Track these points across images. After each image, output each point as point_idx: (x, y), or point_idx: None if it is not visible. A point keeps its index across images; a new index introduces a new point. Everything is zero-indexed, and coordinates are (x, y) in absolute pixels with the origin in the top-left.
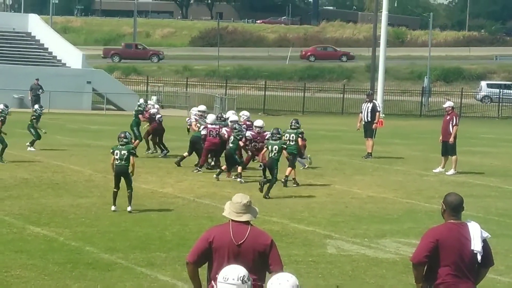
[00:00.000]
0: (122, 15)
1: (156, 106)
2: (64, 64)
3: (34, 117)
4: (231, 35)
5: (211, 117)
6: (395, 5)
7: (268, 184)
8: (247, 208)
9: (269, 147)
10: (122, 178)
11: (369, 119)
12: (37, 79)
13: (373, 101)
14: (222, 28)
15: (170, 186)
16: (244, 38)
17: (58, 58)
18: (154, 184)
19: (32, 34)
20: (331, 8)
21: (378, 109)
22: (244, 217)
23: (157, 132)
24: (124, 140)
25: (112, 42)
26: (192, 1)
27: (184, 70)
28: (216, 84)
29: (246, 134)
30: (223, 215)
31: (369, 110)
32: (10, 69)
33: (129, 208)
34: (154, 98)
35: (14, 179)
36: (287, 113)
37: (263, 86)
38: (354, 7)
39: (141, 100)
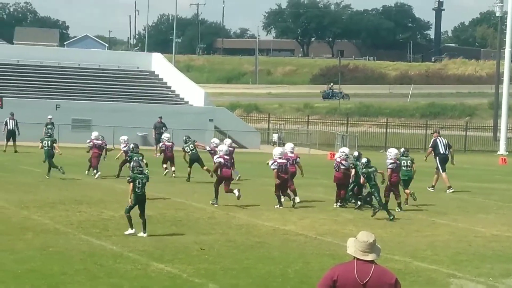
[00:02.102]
0: (244, 53)
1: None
2: (187, 102)
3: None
4: (352, 73)
5: (223, 148)
6: None
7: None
8: (373, 247)
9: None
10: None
11: (447, 152)
12: (160, 117)
13: None
14: (343, 66)
15: (292, 224)
16: (365, 75)
17: (180, 96)
18: (276, 222)
19: (156, 73)
20: (453, 45)
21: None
22: (370, 256)
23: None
24: (140, 169)
25: (233, 80)
26: (313, 39)
27: (305, 107)
28: (337, 121)
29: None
30: (348, 253)
31: (446, 144)
32: (134, 107)
33: (144, 234)
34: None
35: (138, 216)
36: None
37: (385, 123)
38: (476, 44)
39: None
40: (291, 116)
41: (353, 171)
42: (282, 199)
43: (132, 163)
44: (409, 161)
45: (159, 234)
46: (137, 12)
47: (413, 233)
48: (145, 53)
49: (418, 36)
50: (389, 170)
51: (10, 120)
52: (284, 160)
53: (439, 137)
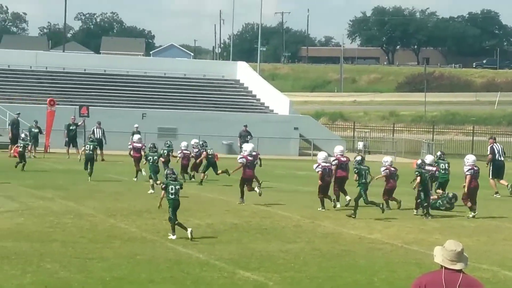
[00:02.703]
0: (328, 61)
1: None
2: (272, 110)
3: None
4: (438, 80)
5: (248, 147)
6: None
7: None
8: (460, 256)
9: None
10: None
11: (501, 158)
12: (246, 126)
13: None
14: (429, 73)
15: (378, 232)
16: (451, 83)
17: (265, 105)
18: (362, 230)
19: (241, 82)
20: None
21: None
22: (458, 266)
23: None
24: (173, 176)
25: (318, 88)
26: (398, 47)
27: (391, 115)
28: (422, 129)
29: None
30: (435, 262)
31: (501, 150)
32: (219, 115)
33: (173, 237)
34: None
35: (224, 224)
36: None
37: (471, 131)
38: None
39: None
40: (376, 124)
41: (418, 178)
42: (337, 204)
43: (166, 171)
44: (446, 165)
45: (245, 242)
46: (222, 21)
47: (500, 241)
48: (230, 62)
49: (505, 43)
50: (468, 176)
51: (97, 129)
52: (328, 164)
53: (495, 144)
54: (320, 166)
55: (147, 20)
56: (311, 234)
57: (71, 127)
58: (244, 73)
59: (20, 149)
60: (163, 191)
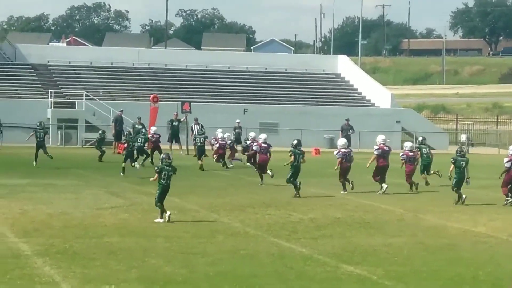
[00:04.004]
0: (430, 54)
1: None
2: (373, 104)
3: None
4: None
5: (263, 136)
6: None
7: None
8: None
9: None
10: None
11: None
12: (348, 120)
13: None
14: None
15: (483, 225)
16: None
17: (367, 98)
18: (466, 223)
19: (342, 75)
20: None
21: None
22: None
23: None
24: (168, 161)
25: (420, 81)
26: (501, 38)
27: (494, 107)
28: None
29: None
30: None
31: None
32: (320, 110)
33: (161, 220)
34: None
35: (327, 218)
36: None
37: None
38: None
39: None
40: (479, 116)
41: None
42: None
43: (162, 155)
44: (427, 149)
45: (348, 236)
46: (322, 15)
47: None
48: (331, 56)
49: None
50: None
51: (195, 125)
52: (348, 150)
53: None
54: (340, 153)
55: (248, 16)
56: (414, 228)
57: (173, 123)
58: (345, 66)
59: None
60: (156, 175)
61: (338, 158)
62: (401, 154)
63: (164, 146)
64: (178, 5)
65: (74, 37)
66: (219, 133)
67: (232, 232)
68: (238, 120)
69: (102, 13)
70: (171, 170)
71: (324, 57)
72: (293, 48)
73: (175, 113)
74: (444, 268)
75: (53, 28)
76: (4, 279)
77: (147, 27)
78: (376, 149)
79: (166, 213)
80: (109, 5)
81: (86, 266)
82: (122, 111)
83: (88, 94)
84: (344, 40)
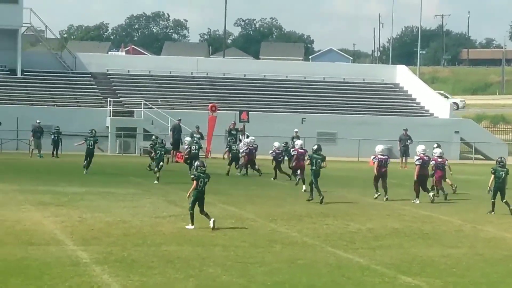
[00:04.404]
0: (490, 63)
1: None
2: (432, 114)
3: None
4: None
5: (299, 142)
6: None
7: None
8: None
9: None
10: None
11: None
12: (406, 129)
13: None
14: None
15: None
16: None
17: (425, 108)
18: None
19: (400, 85)
20: None
21: None
22: None
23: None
24: (203, 168)
25: (479, 91)
26: None
27: None
28: None
29: None
30: None
31: None
32: (379, 119)
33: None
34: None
35: (385, 228)
36: None
37: None
38: None
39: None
40: None
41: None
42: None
43: (196, 163)
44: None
45: (406, 247)
46: (381, 25)
47: None
48: (390, 66)
49: None
50: None
51: (242, 136)
52: (385, 156)
53: None
54: (376, 158)
55: (306, 25)
56: (473, 239)
57: (232, 132)
58: (404, 76)
59: (188, 154)
60: (194, 182)
61: (374, 163)
62: (416, 158)
63: (217, 154)
64: (236, 14)
65: (133, 46)
66: (276, 144)
67: (290, 241)
68: (296, 130)
69: (161, 22)
70: (206, 177)
71: (382, 66)
72: (351, 58)
73: (233, 122)
74: (504, 280)
75: (112, 37)
76: (64, 286)
77: (205, 36)
78: (417, 159)
79: (210, 219)
80: (168, 14)
81: (144, 274)
82: (180, 120)
83: (147, 103)
84: (403, 49)
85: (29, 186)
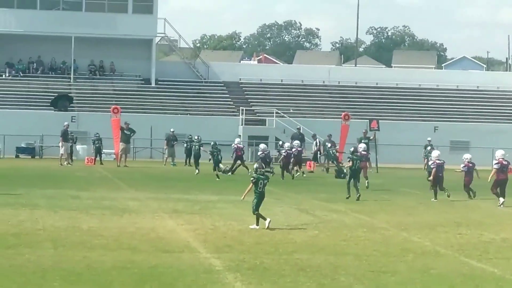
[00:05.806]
0: None
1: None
2: None
3: None
4: None
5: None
6: None
7: None
8: None
9: None
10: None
11: None
12: None
13: None
14: None
15: None
16: None
17: None
18: None
19: None
20: None
21: None
22: None
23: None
24: (262, 170)
25: None
26: None
27: None
28: None
29: None
30: None
31: None
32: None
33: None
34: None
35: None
36: None
37: None
38: None
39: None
40: None
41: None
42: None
43: (255, 165)
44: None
45: None
46: None
47: None
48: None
49: None
50: None
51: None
52: (441, 161)
53: None
54: (434, 163)
55: (439, 33)
56: None
57: (363, 141)
58: None
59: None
60: (251, 184)
61: (432, 168)
62: (494, 163)
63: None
64: (369, 23)
65: (265, 55)
66: (286, 145)
67: (423, 251)
68: (429, 138)
69: (293, 31)
70: (265, 178)
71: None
72: (484, 66)
73: (364, 130)
74: None
75: (244, 46)
76: None
77: (337, 45)
78: (496, 164)
79: (266, 220)
80: (300, 23)
81: (277, 282)
82: (299, 128)
83: (279, 111)
84: None
85: (163, 194)
